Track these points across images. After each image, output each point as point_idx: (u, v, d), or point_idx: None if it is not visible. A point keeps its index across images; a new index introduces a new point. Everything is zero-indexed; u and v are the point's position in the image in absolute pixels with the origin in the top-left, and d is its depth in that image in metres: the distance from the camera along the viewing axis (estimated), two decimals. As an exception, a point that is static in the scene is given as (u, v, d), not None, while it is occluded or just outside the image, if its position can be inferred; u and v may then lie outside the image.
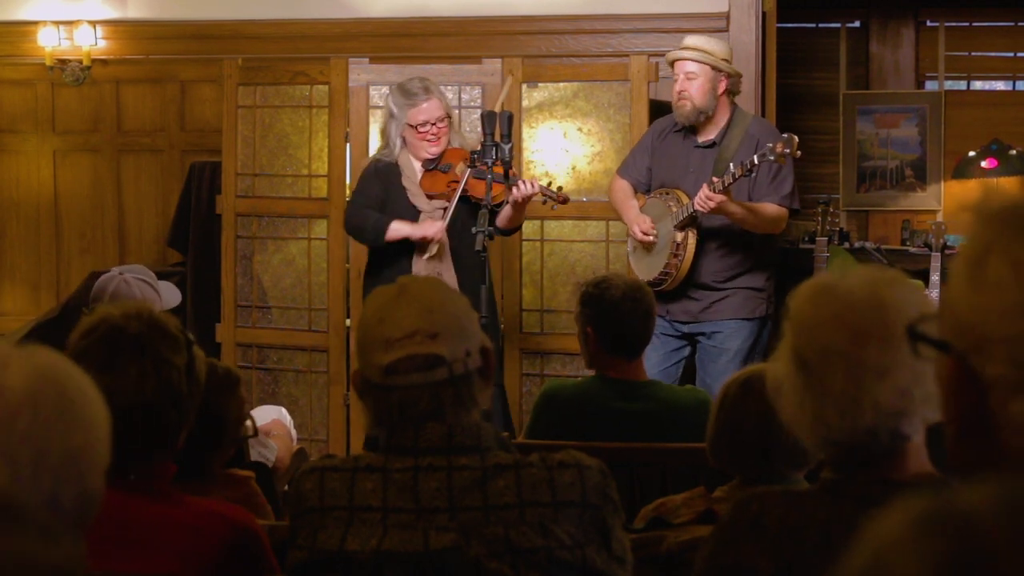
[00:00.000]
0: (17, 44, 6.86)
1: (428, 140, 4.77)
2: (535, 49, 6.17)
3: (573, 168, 5.60)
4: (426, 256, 4.71)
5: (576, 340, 3.58)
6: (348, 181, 5.58)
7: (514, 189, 4.58)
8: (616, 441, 3.26)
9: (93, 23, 6.70)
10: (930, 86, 8.92)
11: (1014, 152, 8.38)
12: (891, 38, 8.89)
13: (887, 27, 8.89)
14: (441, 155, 4.81)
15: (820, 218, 5.45)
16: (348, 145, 5.70)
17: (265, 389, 5.84)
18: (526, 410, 5.18)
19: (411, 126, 4.76)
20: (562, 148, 5.66)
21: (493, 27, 6.28)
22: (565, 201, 4.73)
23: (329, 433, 5.75)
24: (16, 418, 1.33)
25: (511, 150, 4.51)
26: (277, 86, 5.87)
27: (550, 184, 4.81)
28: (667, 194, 4.90)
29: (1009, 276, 1.09)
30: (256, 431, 2.86)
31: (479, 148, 4.55)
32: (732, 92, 4.92)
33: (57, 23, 6.71)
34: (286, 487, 3.36)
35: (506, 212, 4.73)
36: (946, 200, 8.69)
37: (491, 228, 4.41)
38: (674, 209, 4.81)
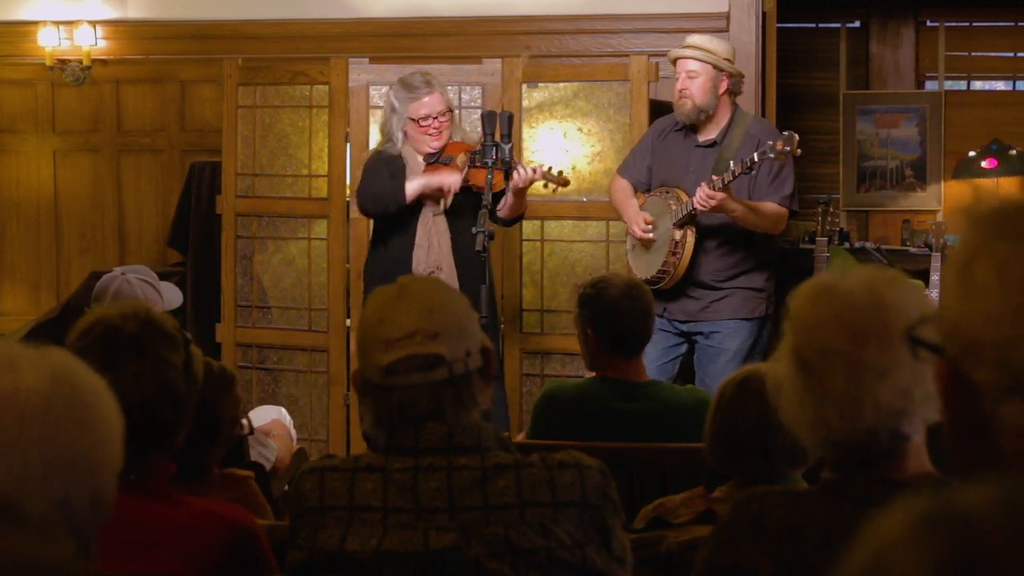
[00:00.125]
0: (17, 44, 6.86)
1: (430, 134, 4.76)
2: (535, 49, 6.17)
3: (573, 168, 5.60)
4: (437, 213, 4.69)
5: (576, 340, 3.58)
6: (348, 181, 5.57)
7: (514, 174, 4.57)
8: (616, 441, 3.25)
9: (93, 23, 6.70)
10: (930, 86, 8.93)
11: (1014, 152, 8.38)
12: (891, 38, 8.89)
13: (887, 27, 8.89)
14: (443, 148, 4.81)
15: (820, 218, 5.44)
16: (348, 145, 5.70)
17: (265, 389, 5.84)
18: (526, 410, 5.17)
19: (413, 120, 4.75)
20: (562, 148, 5.65)
21: (493, 27, 6.29)
22: (566, 183, 4.72)
23: (329, 433, 5.75)
24: (30, 420, 1.32)
25: (511, 150, 4.51)
26: (277, 86, 5.87)
27: (550, 169, 4.80)
28: (667, 193, 4.89)
29: (994, 280, 1.08)
30: (252, 429, 2.87)
31: (479, 148, 4.55)
32: (733, 92, 4.91)
33: (57, 23, 6.71)
34: (286, 487, 3.35)
35: (507, 200, 4.73)
36: (946, 200, 8.70)
37: (492, 229, 4.41)
38: (673, 207, 4.81)
